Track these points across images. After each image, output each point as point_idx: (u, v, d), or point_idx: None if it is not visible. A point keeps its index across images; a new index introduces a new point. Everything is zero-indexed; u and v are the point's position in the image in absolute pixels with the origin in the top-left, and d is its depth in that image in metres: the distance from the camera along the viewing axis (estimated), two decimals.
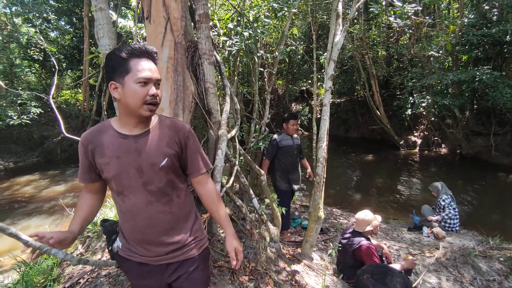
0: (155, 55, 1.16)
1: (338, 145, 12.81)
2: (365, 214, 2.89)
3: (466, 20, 7.20)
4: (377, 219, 2.89)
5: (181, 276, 1.28)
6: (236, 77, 3.59)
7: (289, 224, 3.92)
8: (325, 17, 5.01)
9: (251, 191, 2.84)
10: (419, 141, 11.75)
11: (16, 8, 10.84)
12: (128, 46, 1.10)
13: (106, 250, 3.48)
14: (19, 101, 8.72)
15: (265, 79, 4.49)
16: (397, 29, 6.58)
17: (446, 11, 7.37)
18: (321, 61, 3.73)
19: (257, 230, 2.78)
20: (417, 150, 11.52)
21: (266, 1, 4.10)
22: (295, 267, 2.89)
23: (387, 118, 11.57)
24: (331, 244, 2.88)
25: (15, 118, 8.14)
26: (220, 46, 3.88)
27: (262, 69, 3.86)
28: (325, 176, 3.22)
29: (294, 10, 3.09)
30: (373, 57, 10.24)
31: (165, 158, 1.17)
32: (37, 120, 10.75)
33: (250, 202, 3.13)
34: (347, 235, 2.94)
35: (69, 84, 15.49)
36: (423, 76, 8.28)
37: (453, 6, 8.21)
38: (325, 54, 3.98)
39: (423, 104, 8.88)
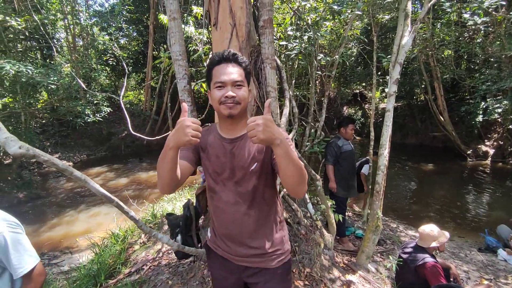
0: (234, 57, 1.19)
1: (394, 152, 12.00)
2: (431, 228, 2.67)
3: None
4: (445, 235, 2.65)
5: (258, 283, 1.32)
6: (293, 81, 3.59)
7: (345, 232, 3.80)
8: (385, 17, 4.75)
9: (307, 196, 2.81)
10: (491, 151, 10.44)
11: (95, 19, 12.30)
12: (211, 57, 1.21)
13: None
14: (95, 101, 9.83)
15: (317, 82, 4.41)
16: (472, 26, 5.93)
17: None
18: (383, 63, 3.55)
19: (312, 236, 2.74)
20: (488, 161, 10.26)
21: (325, 4, 4.04)
22: (350, 277, 2.78)
23: (452, 124, 10.51)
24: (390, 257, 2.71)
25: (91, 116, 9.19)
26: (277, 50, 3.92)
27: (320, 73, 3.81)
28: (384, 184, 3.05)
29: (358, 12, 2.99)
30: (438, 58, 9.40)
31: (255, 163, 1.21)
32: (107, 118, 11.98)
33: (305, 207, 3.11)
34: (408, 250, 2.74)
35: (134, 86, 17.00)
36: (500, 79, 7.35)
37: None
38: (388, 56, 3.79)
39: (499, 110, 7.88)
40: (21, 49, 9.91)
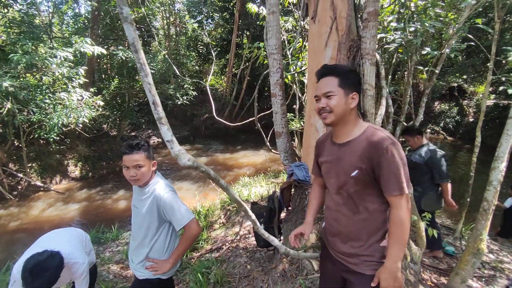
0: (330, 69, 1.28)
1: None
2: None
3: None
4: None
5: (351, 282, 1.34)
6: (389, 76, 3.29)
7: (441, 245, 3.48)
8: None
9: None
10: None
11: (189, 8, 13.30)
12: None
13: (243, 224, 3.96)
14: (185, 86, 10.79)
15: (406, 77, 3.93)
16: None
17: None
18: (509, 58, 2.95)
19: None
20: None
21: None
22: None
23: None
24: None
25: (180, 99, 10.14)
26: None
27: (421, 67, 3.39)
28: (495, 203, 2.62)
29: None
30: None
31: (356, 170, 1.23)
32: (191, 101, 13.07)
33: None
34: None
35: (216, 71, 18.03)
36: None
37: None
38: None
39: None
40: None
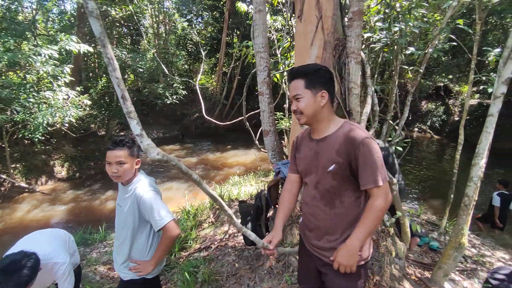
0: (297, 72, 1.31)
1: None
2: None
3: None
4: None
5: (327, 275, 1.38)
6: (376, 75, 3.34)
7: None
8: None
9: None
10: None
11: (178, 6, 13.17)
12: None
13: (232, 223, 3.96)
14: (174, 85, 10.68)
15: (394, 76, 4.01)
16: None
17: None
18: (488, 58, 3.04)
19: (384, 243, 2.60)
20: None
21: None
22: None
23: None
24: (476, 280, 2.42)
25: (169, 98, 10.04)
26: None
27: (407, 67, 3.46)
28: (476, 198, 2.70)
29: None
30: None
31: (333, 164, 1.27)
32: (181, 100, 12.95)
33: None
34: (500, 276, 2.40)
35: (206, 70, 17.91)
36: None
37: None
38: (495, 50, 3.24)
39: None
40: (116, 36, 11.22)
